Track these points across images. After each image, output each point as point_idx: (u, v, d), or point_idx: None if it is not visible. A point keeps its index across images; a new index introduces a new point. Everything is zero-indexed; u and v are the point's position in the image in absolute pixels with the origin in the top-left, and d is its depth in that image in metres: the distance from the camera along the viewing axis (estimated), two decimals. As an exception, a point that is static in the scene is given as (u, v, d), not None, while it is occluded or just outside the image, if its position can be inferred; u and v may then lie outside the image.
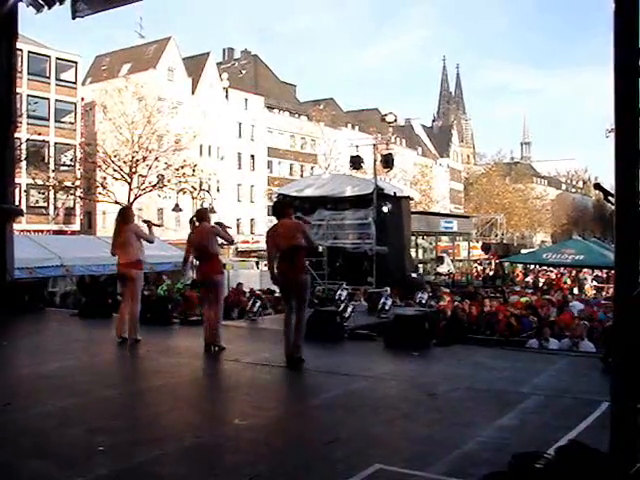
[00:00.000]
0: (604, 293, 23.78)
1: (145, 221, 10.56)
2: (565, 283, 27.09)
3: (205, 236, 9.28)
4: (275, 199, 24.57)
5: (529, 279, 31.98)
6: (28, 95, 44.94)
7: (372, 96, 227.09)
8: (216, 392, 7.17)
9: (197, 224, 9.48)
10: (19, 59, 45.24)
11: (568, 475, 3.39)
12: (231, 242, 10.15)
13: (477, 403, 6.49)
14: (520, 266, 34.89)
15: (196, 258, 9.67)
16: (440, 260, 31.19)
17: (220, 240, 9.54)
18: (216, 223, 9.75)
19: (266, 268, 9.07)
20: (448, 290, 19.02)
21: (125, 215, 10.12)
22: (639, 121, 3.46)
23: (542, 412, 6.09)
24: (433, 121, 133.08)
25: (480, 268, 38.63)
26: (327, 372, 7.94)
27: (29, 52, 46.11)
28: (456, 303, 15.71)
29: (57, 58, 49.75)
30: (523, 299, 16.34)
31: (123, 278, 10.00)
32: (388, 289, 16.56)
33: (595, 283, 27.12)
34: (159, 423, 5.79)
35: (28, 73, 46.11)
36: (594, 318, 13.13)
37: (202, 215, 9.68)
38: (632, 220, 3.44)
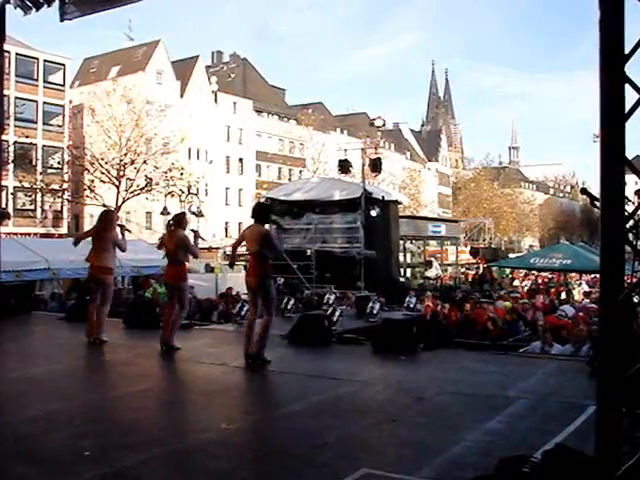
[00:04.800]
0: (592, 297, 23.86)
1: (119, 225, 10.64)
2: (552, 288, 27.12)
3: (175, 243, 9.47)
4: (258, 202, 24.59)
5: (516, 283, 32.05)
6: (16, 97, 44.68)
7: (361, 100, 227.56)
8: (202, 396, 7.13)
9: (172, 228, 9.59)
10: (6, 61, 45.06)
11: (554, 478, 3.39)
12: (195, 256, 10.30)
13: (464, 407, 6.49)
14: (508, 271, 34.97)
15: (167, 259, 9.78)
16: (429, 264, 31.17)
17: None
18: (192, 231, 10.06)
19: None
20: (430, 294, 18.99)
21: (108, 220, 10.27)
22: (625, 127, 3.48)
23: (529, 416, 6.11)
24: (422, 125, 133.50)
25: (472, 272, 38.69)
26: (314, 376, 7.93)
27: (17, 54, 45.85)
28: (438, 307, 15.72)
29: (45, 60, 49.52)
30: (506, 303, 16.34)
31: (96, 281, 10.11)
32: (375, 294, 16.56)
33: (586, 287, 27.18)
34: (144, 427, 5.77)
35: (16, 75, 45.86)
36: (589, 322, 13.12)
37: (178, 221, 9.83)
38: (618, 225, 3.45)
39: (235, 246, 9.67)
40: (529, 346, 10.98)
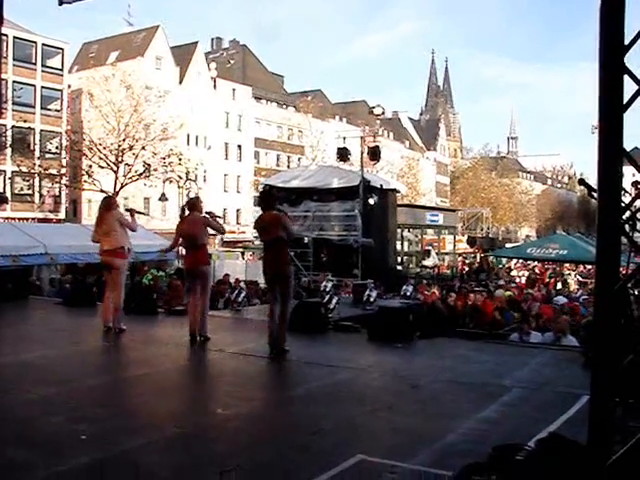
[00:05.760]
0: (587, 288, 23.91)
1: (129, 209, 10.53)
2: (550, 278, 27.18)
3: (196, 226, 9.25)
4: (261, 190, 24.56)
5: (514, 273, 32.12)
6: (14, 81, 44.50)
7: (360, 88, 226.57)
8: (200, 382, 7.18)
9: (187, 213, 9.48)
10: (4, 44, 44.83)
11: (547, 466, 3.42)
12: (222, 232, 10.15)
13: (459, 395, 6.53)
14: (505, 260, 35.03)
15: (184, 247, 9.63)
16: (427, 253, 31.24)
17: (211, 230, 9.52)
18: (207, 212, 9.72)
19: (252, 259, 9.18)
20: (427, 283, 19.09)
21: (108, 203, 10.11)
22: (623, 118, 3.49)
23: (523, 405, 6.15)
24: (421, 114, 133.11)
25: (468, 261, 38.75)
26: (311, 363, 7.97)
27: (15, 37, 45.62)
28: (435, 295, 15.73)
29: (43, 44, 49.19)
30: (507, 293, 16.39)
31: (107, 267, 9.89)
32: (372, 281, 16.60)
33: (579, 278, 27.25)
34: (142, 412, 5.80)
35: (14, 59, 45.63)
36: (576, 312, 13.20)
37: (193, 204, 9.66)
38: (614, 216, 3.47)
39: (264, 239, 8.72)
40: (511, 335, 11.03)
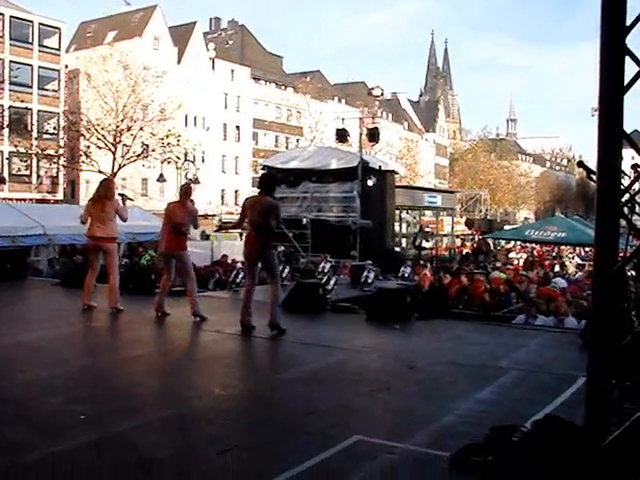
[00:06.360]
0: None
1: (120, 194, 10.58)
2: (547, 260, 27.18)
3: (180, 214, 9.42)
4: (262, 171, 24.53)
5: (512, 255, 32.12)
6: (11, 61, 44.30)
7: (359, 69, 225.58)
8: (196, 362, 7.18)
9: (181, 199, 9.58)
10: (0, 23, 44.59)
11: (543, 447, 3.44)
12: (196, 227, 10.14)
13: (457, 377, 6.55)
14: (503, 242, 35.04)
15: (166, 230, 9.74)
16: (429, 235, 31.06)
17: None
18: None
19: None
20: (426, 265, 19.06)
21: (108, 189, 10.19)
22: (623, 100, 3.46)
23: (520, 386, 6.16)
24: (420, 96, 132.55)
25: (468, 244, 38.71)
26: (308, 344, 7.98)
27: (11, 17, 45.35)
28: (427, 276, 15.73)
29: (40, 24, 48.82)
30: (502, 275, 16.37)
31: (98, 250, 10.02)
32: (370, 262, 16.61)
33: (578, 260, 27.27)
34: (139, 393, 5.81)
35: (10, 38, 45.35)
36: (578, 295, 13.19)
37: (184, 191, 9.78)
38: (613, 198, 3.46)
39: (241, 222, 9.07)
40: (516, 318, 11.04)
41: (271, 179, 9.36)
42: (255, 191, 9.05)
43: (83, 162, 39.60)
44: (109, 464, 4.04)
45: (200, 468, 3.99)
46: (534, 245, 31.22)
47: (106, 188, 10.17)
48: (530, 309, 10.75)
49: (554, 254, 30.21)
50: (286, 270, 14.91)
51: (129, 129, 39.22)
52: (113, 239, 10.04)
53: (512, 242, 33.79)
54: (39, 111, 46.33)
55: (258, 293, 8.75)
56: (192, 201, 9.74)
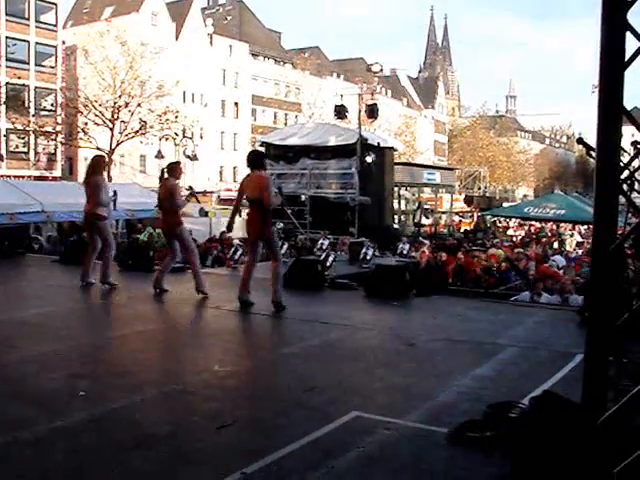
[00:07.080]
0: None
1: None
2: (543, 237, 27.17)
3: (166, 192, 9.48)
4: (256, 147, 24.42)
5: (510, 232, 32.14)
6: (7, 37, 43.89)
7: (358, 45, 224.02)
8: (196, 339, 7.21)
9: (165, 177, 9.55)
10: (-4, -1, 44.14)
11: (541, 424, 3.46)
12: (179, 208, 10.03)
13: (455, 354, 6.58)
14: (502, 220, 35.03)
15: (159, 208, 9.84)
16: (428, 211, 31.04)
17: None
18: (189, 188, 10.30)
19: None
20: (424, 242, 19.07)
21: (92, 165, 10.26)
22: (624, 76, 3.44)
23: (518, 363, 6.19)
24: (419, 72, 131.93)
25: (467, 221, 38.69)
26: (307, 320, 8.00)
27: (7, -8, 44.91)
28: (425, 254, 15.74)
29: (36, -1, 48.39)
30: (499, 252, 16.39)
31: (90, 227, 10.12)
32: (368, 239, 16.61)
33: (579, 238, 27.26)
34: (139, 369, 5.83)
35: (6, 14, 44.90)
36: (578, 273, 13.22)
37: (170, 170, 9.72)
38: (612, 175, 3.45)
39: (237, 204, 9.18)
40: (519, 295, 11.07)
41: (255, 155, 9.21)
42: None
43: (81, 139, 39.39)
44: (109, 440, 4.07)
45: (200, 443, 4.02)
46: (532, 222, 31.25)
47: (90, 165, 10.31)
48: (537, 287, 10.77)
49: (548, 232, 30.16)
50: (285, 247, 14.90)
51: (127, 105, 38.99)
52: (97, 215, 9.90)
53: (511, 219, 33.78)
54: (36, 88, 46.02)
55: (257, 270, 8.75)
56: (174, 177, 9.64)
